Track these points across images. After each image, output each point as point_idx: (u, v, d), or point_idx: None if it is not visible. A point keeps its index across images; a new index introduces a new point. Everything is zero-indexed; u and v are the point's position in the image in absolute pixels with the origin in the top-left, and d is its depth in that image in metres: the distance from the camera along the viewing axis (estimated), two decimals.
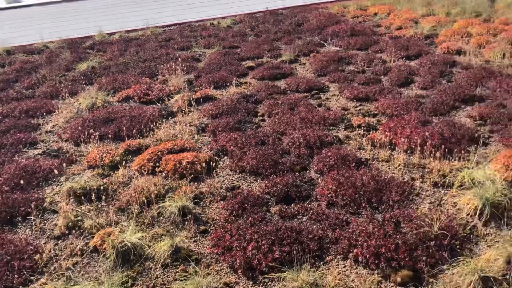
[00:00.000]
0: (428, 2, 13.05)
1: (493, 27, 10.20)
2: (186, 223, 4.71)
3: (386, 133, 5.99)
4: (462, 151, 5.44)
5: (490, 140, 5.89)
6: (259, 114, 7.21)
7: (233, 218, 4.69)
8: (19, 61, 11.00)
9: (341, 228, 4.38)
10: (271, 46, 10.62)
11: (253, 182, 5.39)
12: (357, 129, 6.43)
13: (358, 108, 7.12)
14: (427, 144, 5.49)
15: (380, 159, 5.61)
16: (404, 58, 9.19)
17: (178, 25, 13.89)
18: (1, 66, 10.82)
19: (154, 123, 6.92)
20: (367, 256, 3.96)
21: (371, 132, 6.27)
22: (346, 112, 6.99)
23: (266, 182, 5.24)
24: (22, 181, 5.45)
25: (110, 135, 6.70)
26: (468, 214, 4.45)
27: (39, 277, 4.16)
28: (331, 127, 6.51)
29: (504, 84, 7.24)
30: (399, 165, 5.40)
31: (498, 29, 10.05)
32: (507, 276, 3.66)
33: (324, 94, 7.82)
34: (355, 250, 4.05)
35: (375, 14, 13.00)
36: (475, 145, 5.65)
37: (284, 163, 5.60)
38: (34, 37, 13.13)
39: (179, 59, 9.65)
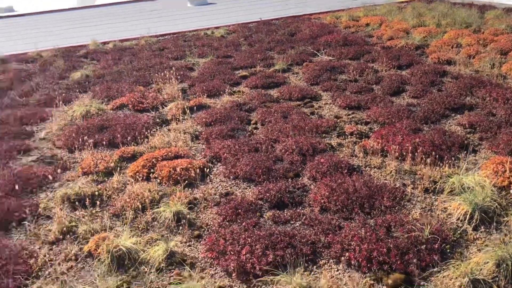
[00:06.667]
0: (419, 13, 13.27)
1: (482, 37, 10.39)
2: (181, 228, 4.74)
3: (378, 140, 6.08)
4: (452, 158, 5.55)
5: (479, 147, 5.99)
6: (252, 122, 7.28)
7: (227, 223, 4.73)
8: (12, 70, 11.01)
9: (333, 233, 4.43)
10: (264, 56, 10.73)
11: (246, 189, 5.43)
12: (349, 136, 6.52)
13: (350, 116, 7.22)
14: (418, 151, 5.59)
15: (372, 166, 5.69)
16: (395, 68, 9.34)
17: (172, 35, 13.99)
18: None
19: (148, 131, 6.95)
20: (359, 259, 4.01)
21: (363, 140, 6.35)
22: (338, 120, 7.08)
23: (259, 188, 5.28)
24: (16, 187, 5.45)
25: (104, 142, 6.73)
26: (458, 219, 4.52)
27: (34, 281, 4.15)
28: (323, 135, 6.59)
29: (494, 93, 7.37)
30: (390, 172, 5.48)
31: (487, 40, 10.24)
32: (497, 279, 3.72)
33: (317, 103, 7.92)
34: (348, 254, 4.09)
35: (367, 24, 13.19)
36: (465, 152, 5.74)
37: (277, 170, 5.66)
38: (28, 46, 13.17)
39: (173, 68, 9.65)
